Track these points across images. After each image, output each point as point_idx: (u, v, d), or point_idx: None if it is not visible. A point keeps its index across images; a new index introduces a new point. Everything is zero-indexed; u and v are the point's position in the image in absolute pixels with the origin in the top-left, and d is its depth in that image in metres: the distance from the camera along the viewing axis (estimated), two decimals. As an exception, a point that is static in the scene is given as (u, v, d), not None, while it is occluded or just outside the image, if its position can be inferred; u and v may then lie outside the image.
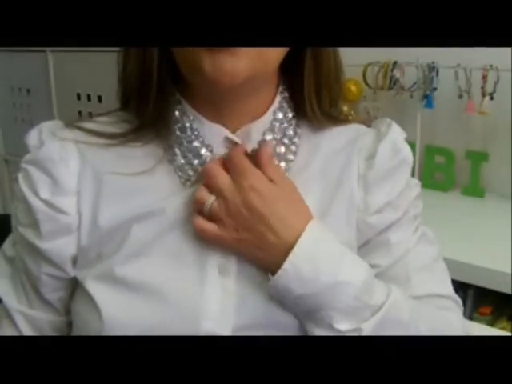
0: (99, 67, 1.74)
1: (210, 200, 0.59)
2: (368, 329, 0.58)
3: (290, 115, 0.66)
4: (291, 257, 0.56)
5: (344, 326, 0.57)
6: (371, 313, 0.58)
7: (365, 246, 0.64)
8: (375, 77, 1.67)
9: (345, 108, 1.71)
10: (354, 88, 1.73)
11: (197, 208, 0.60)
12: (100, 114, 0.68)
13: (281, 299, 0.58)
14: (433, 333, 0.61)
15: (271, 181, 0.60)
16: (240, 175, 0.59)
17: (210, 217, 0.59)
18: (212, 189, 0.60)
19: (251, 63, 0.55)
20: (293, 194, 0.61)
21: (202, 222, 0.59)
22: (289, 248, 0.57)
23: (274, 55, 0.59)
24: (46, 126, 0.65)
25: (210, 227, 0.59)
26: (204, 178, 0.60)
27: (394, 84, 1.63)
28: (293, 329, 0.60)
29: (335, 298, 0.57)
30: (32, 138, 0.64)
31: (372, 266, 0.63)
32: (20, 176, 0.63)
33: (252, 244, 0.58)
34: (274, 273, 0.57)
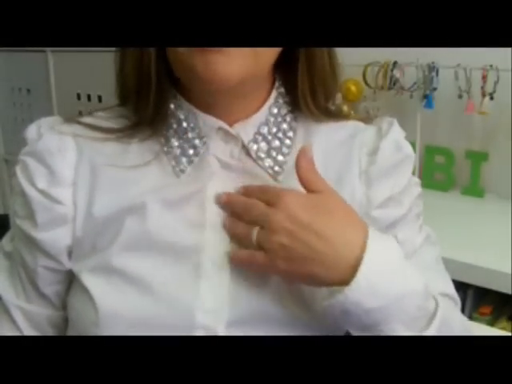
0: (99, 67, 1.74)
1: (255, 232, 0.57)
2: (431, 334, 0.57)
3: (285, 110, 0.66)
4: (363, 269, 0.53)
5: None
6: (426, 320, 0.57)
7: None
8: (375, 77, 1.67)
9: (345, 108, 1.71)
10: (354, 88, 1.73)
11: (238, 243, 0.59)
12: (98, 110, 0.69)
13: (343, 315, 0.56)
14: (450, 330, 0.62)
15: (313, 192, 0.58)
16: (275, 197, 0.58)
17: (257, 247, 0.57)
18: (250, 219, 0.58)
19: (244, 64, 0.56)
20: (341, 204, 0.58)
21: (251, 253, 0.57)
22: (353, 261, 0.54)
23: (268, 56, 0.59)
24: (45, 121, 0.66)
25: (261, 256, 0.56)
26: (238, 213, 0.59)
27: (394, 84, 1.63)
28: (287, 324, 0.60)
29: (402, 309, 0.55)
30: (31, 132, 0.65)
31: None
32: (18, 168, 0.64)
33: (305, 259, 0.55)
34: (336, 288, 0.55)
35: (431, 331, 0.57)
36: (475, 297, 1.28)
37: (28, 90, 2.34)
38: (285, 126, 0.65)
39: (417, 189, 0.68)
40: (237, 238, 0.60)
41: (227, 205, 0.61)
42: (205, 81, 0.56)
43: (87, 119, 0.66)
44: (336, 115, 0.69)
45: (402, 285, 0.56)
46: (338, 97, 1.69)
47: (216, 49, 0.54)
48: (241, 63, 0.55)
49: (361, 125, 0.69)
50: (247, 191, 0.61)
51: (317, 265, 0.55)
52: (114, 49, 0.64)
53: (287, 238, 0.55)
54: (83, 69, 2.08)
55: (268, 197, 0.58)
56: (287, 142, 0.65)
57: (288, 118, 0.66)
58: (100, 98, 2.09)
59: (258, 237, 0.57)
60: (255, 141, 0.63)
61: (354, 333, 0.58)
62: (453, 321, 0.65)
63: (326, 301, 0.56)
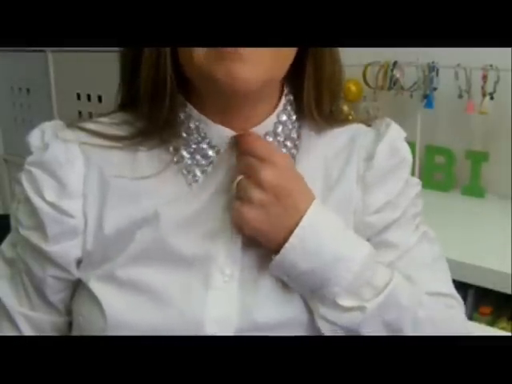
0: (99, 67, 1.74)
1: (237, 179, 0.60)
2: (372, 308, 0.58)
3: (294, 117, 0.66)
4: (297, 231, 0.57)
5: (347, 302, 0.58)
6: (374, 293, 0.59)
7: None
8: (375, 77, 1.67)
9: (345, 108, 1.71)
10: (354, 88, 1.73)
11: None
12: (100, 115, 0.68)
13: (286, 277, 0.59)
14: (435, 326, 0.62)
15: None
16: (267, 153, 0.59)
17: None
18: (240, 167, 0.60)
19: (263, 70, 0.56)
20: (294, 172, 0.61)
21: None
22: (293, 225, 0.57)
23: (284, 61, 0.59)
24: (49, 127, 0.64)
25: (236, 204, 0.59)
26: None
27: (394, 84, 1.63)
28: (293, 329, 0.60)
29: (338, 273, 0.58)
30: (35, 138, 0.63)
31: None
32: (23, 178, 0.62)
33: (276, 217, 0.58)
34: (278, 251, 0.58)
35: (371, 304, 0.58)
36: (475, 297, 1.28)
37: (28, 90, 2.34)
38: (294, 134, 0.66)
39: (416, 189, 0.68)
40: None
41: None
42: (225, 86, 0.55)
43: (91, 125, 0.64)
44: (338, 121, 0.68)
45: (336, 250, 0.58)
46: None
47: (235, 53, 0.54)
48: (260, 68, 0.55)
49: (362, 128, 0.69)
50: (245, 138, 0.62)
51: (278, 226, 0.58)
52: (113, 49, 0.63)
53: (268, 195, 0.58)
54: (83, 69, 2.08)
55: (261, 151, 0.60)
56: (293, 151, 0.65)
57: (296, 126, 0.66)
58: (100, 98, 2.09)
59: (239, 184, 0.59)
60: None
61: (308, 299, 0.60)
62: (451, 320, 0.65)
63: (271, 265, 0.59)
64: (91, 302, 0.60)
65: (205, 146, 0.62)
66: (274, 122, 0.64)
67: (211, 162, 0.62)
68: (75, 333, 0.64)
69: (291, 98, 0.66)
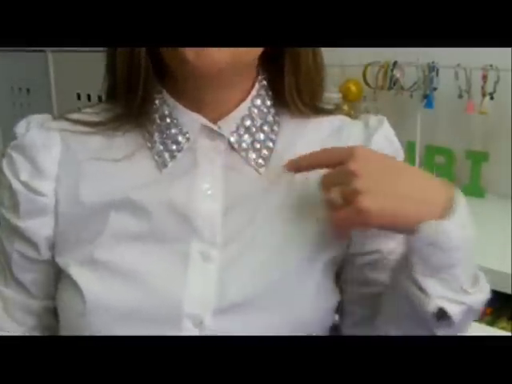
0: (99, 67, 1.74)
1: (335, 192, 0.58)
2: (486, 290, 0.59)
3: (269, 103, 0.66)
4: (457, 206, 0.56)
5: (471, 288, 0.57)
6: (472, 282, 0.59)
7: (360, 232, 0.65)
8: (375, 77, 1.67)
9: (345, 108, 1.71)
10: (354, 88, 1.73)
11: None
12: (86, 106, 0.71)
13: (427, 249, 0.56)
14: None
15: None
16: (345, 153, 0.57)
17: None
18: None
19: (231, 52, 0.56)
20: (372, 152, 0.59)
21: (342, 212, 0.56)
22: (444, 201, 0.56)
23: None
24: (35, 118, 0.67)
25: (350, 208, 0.55)
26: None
27: (394, 84, 1.63)
28: (270, 311, 0.61)
29: (470, 256, 0.57)
30: (20, 127, 0.67)
31: (371, 252, 0.65)
32: (4, 162, 0.65)
33: (392, 195, 0.56)
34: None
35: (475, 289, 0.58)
36: (475, 297, 1.28)
37: (28, 90, 2.34)
38: (271, 118, 0.66)
39: None
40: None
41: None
42: (195, 67, 0.57)
43: (75, 115, 0.67)
44: (322, 110, 0.69)
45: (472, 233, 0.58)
46: (338, 97, 1.69)
47: None
48: (226, 50, 0.56)
49: (347, 119, 0.70)
50: (316, 159, 0.60)
51: (406, 201, 0.56)
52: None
53: (370, 179, 0.55)
54: (83, 69, 2.08)
55: (338, 157, 0.58)
56: (272, 136, 0.66)
57: (272, 111, 0.67)
58: (100, 98, 2.08)
59: (342, 195, 0.57)
60: (238, 134, 0.64)
61: (418, 277, 0.57)
62: None
63: (419, 233, 0.56)
64: (71, 287, 0.61)
65: (176, 131, 0.64)
66: (249, 106, 0.65)
67: (182, 148, 0.63)
68: (60, 318, 0.65)
69: (265, 84, 0.66)
